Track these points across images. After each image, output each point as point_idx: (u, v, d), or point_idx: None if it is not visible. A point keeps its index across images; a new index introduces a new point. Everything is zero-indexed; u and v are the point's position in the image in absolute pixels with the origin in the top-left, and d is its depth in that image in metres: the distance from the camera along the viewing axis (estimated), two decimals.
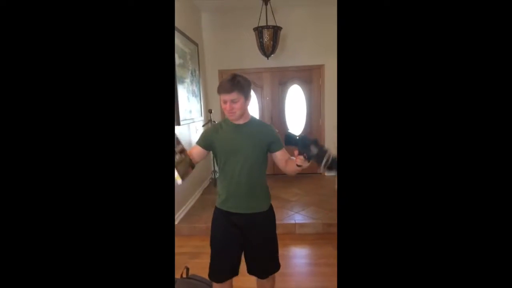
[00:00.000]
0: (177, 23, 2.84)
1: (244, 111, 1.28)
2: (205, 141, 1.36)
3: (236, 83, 1.20)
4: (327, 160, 1.09)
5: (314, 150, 1.12)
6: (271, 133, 1.33)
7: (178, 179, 1.20)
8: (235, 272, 1.39)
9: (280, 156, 1.32)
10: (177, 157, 1.21)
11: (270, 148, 1.32)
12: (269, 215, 1.39)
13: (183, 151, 1.27)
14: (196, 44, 3.68)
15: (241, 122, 1.31)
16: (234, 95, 1.21)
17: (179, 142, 1.25)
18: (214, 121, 3.77)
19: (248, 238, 1.35)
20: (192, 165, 1.30)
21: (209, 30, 4.08)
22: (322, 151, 1.11)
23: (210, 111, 3.78)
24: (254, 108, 4.32)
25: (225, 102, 1.23)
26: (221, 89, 1.22)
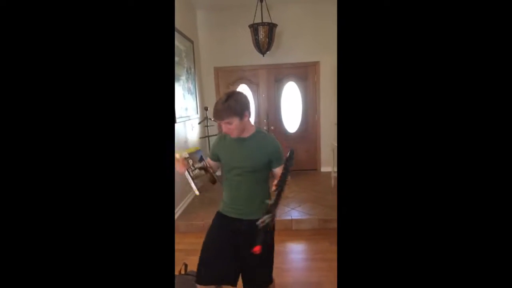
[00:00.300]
0: None
1: (242, 129, 1.29)
2: (213, 154, 1.44)
3: (226, 108, 1.21)
4: (263, 221, 1.10)
5: (272, 199, 1.13)
6: (273, 150, 1.32)
7: (196, 191, 1.32)
8: (222, 281, 1.35)
9: (276, 172, 1.34)
10: (196, 172, 1.31)
11: (270, 164, 1.34)
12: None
13: (204, 168, 1.37)
14: (192, 42, 3.67)
15: (243, 135, 1.32)
16: (226, 120, 1.23)
17: (202, 160, 1.38)
18: (210, 118, 3.77)
19: (244, 244, 1.32)
20: (213, 180, 1.40)
21: (205, 27, 4.07)
22: (272, 209, 1.12)
23: (206, 109, 3.78)
24: (250, 106, 4.31)
25: (220, 124, 1.27)
26: (214, 114, 1.26)
